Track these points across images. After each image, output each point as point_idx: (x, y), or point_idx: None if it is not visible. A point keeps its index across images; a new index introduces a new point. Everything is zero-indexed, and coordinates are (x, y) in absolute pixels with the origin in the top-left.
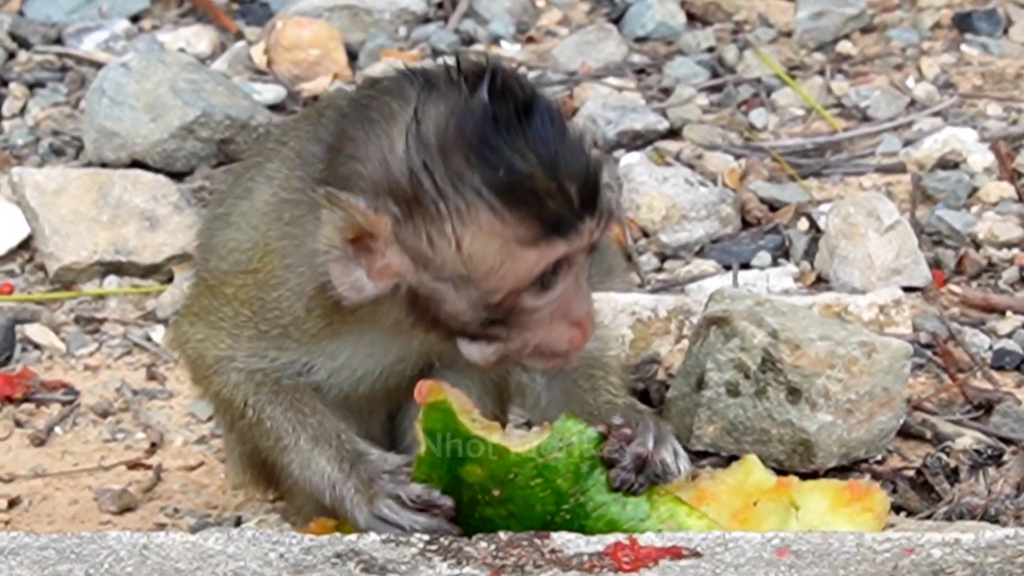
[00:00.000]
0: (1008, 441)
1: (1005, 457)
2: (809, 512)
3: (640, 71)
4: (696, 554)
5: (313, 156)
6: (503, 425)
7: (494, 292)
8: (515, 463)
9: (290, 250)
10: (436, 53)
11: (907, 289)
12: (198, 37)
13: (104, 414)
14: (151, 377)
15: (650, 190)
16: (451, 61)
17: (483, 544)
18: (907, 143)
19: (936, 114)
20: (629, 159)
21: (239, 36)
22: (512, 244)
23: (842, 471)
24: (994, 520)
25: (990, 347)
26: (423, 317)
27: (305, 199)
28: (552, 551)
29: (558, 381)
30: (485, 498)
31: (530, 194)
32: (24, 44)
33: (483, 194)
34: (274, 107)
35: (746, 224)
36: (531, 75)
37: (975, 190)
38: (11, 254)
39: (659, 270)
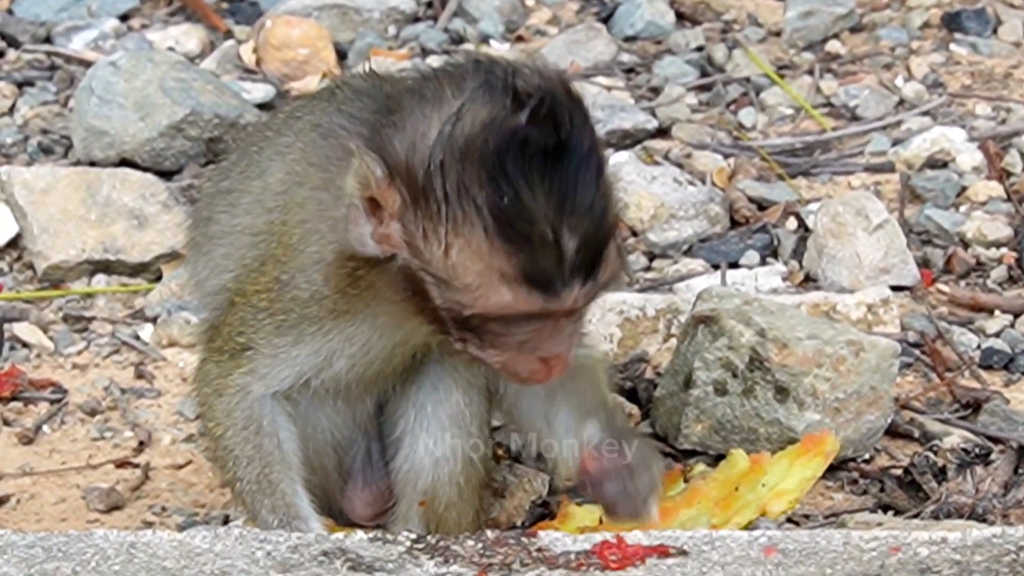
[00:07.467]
0: (996, 440)
1: (993, 456)
2: (774, 476)
3: (629, 70)
4: (683, 552)
5: (338, 126)
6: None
7: (467, 306)
8: None
9: (311, 215)
10: (425, 52)
11: (895, 288)
12: (187, 36)
13: (92, 412)
14: (139, 376)
15: (639, 189)
16: (527, 68)
17: (470, 542)
18: (896, 142)
19: (925, 113)
20: (618, 158)
21: (228, 35)
22: (493, 272)
23: (829, 469)
24: (981, 519)
25: (978, 346)
26: (415, 297)
27: (329, 163)
28: (539, 549)
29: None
30: None
31: (525, 235)
32: (13, 43)
33: (482, 213)
34: (263, 106)
35: (734, 223)
36: None
37: (964, 189)
38: None
39: (647, 269)
